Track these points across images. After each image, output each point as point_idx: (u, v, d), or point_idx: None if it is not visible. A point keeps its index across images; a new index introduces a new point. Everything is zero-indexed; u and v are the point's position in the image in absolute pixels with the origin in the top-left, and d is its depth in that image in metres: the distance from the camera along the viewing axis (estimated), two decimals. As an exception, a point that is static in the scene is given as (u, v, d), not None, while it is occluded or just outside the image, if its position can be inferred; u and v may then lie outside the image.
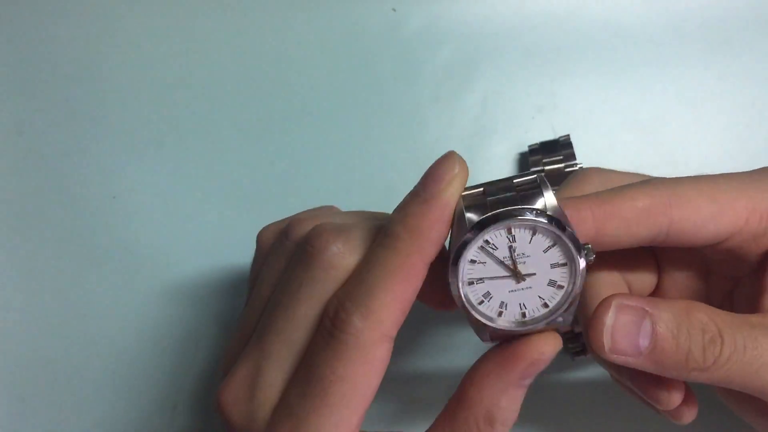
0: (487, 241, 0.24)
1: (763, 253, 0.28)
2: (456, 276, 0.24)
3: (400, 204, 0.26)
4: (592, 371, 0.38)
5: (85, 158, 0.40)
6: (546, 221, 0.24)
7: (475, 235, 0.24)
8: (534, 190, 0.25)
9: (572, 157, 0.38)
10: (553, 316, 0.25)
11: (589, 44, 0.41)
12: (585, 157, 0.38)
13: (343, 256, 0.26)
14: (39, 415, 0.38)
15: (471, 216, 0.24)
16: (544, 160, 0.38)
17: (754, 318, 0.26)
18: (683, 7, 0.41)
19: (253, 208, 0.40)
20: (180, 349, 0.39)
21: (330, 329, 0.25)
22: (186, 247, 0.40)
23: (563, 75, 0.41)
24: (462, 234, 0.24)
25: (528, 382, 0.26)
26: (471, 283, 0.25)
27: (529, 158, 0.39)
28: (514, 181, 0.25)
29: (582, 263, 0.24)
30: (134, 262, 0.39)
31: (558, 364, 0.38)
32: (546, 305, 0.25)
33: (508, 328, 0.25)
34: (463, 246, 0.24)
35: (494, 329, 0.25)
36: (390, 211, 0.30)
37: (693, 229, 0.26)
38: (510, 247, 0.24)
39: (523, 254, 0.24)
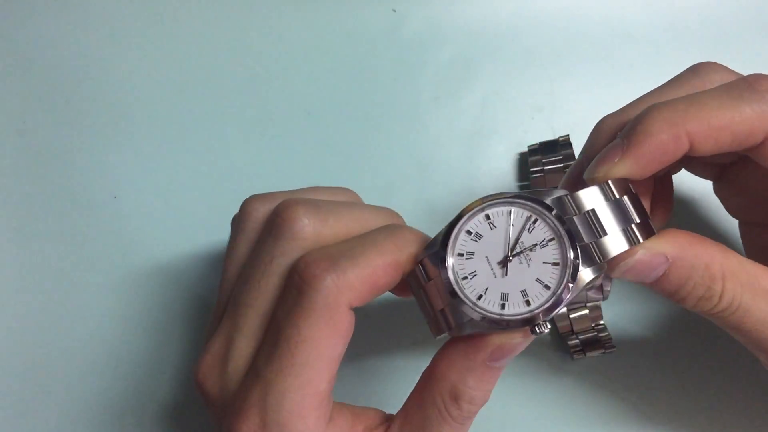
0: (487, 216, 0.24)
1: None
2: (447, 243, 0.24)
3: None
4: (592, 371, 0.38)
5: (85, 158, 0.40)
6: (549, 213, 0.24)
7: (475, 208, 0.24)
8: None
9: (572, 157, 0.38)
10: (531, 315, 0.24)
11: (589, 44, 0.41)
12: (585, 157, 0.38)
13: (313, 226, 0.26)
14: (39, 415, 0.38)
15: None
16: (544, 161, 0.38)
17: None
18: (683, 7, 0.41)
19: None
20: (182, 349, 0.39)
21: (299, 285, 0.25)
22: (186, 247, 0.40)
23: (563, 75, 0.41)
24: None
25: (499, 365, 0.26)
26: (461, 255, 0.24)
27: (528, 158, 0.39)
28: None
29: (575, 270, 0.23)
30: (134, 262, 0.40)
31: (558, 364, 0.38)
32: (528, 303, 0.24)
33: (482, 315, 0.24)
34: (463, 214, 0.24)
35: (461, 318, 0.24)
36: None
37: None
38: (507, 230, 0.24)
39: (521, 243, 0.24)
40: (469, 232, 0.24)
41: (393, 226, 0.26)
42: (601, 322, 0.37)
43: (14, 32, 0.42)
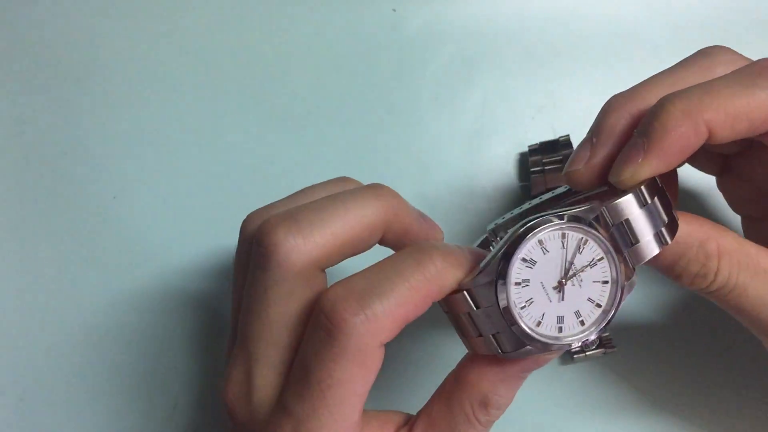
0: (540, 241, 0.24)
1: None
2: (506, 273, 0.23)
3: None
4: (592, 371, 0.38)
5: (85, 158, 0.40)
6: (597, 233, 0.23)
7: (528, 234, 0.24)
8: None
9: None
10: (586, 335, 0.24)
11: (589, 44, 0.41)
12: (585, 157, 0.38)
13: (297, 249, 0.25)
14: (39, 415, 0.38)
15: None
16: (544, 160, 0.38)
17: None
18: (683, 7, 0.41)
19: (253, 207, 0.40)
20: (180, 347, 0.39)
21: (327, 327, 0.24)
22: (186, 247, 0.40)
23: (563, 75, 0.41)
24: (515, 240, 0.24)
25: (527, 374, 0.26)
26: (518, 284, 0.24)
27: (528, 158, 0.39)
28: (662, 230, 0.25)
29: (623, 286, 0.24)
30: (134, 262, 0.40)
31: (558, 364, 0.38)
32: (582, 323, 0.24)
33: (543, 340, 0.24)
34: (518, 242, 0.24)
35: (517, 345, 0.24)
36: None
37: None
38: (562, 254, 0.24)
39: (572, 264, 0.24)
40: (524, 260, 0.24)
41: (419, 251, 0.25)
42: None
43: (14, 32, 0.42)
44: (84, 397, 0.38)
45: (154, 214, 0.40)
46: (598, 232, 0.24)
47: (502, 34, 0.41)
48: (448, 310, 0.26)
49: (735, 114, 0.25)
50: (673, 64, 0.29)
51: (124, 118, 0.41)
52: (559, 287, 0.24)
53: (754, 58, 0.40)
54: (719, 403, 0.37)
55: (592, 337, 0.24)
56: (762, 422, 0.37)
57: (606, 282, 0.24)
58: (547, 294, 0.24)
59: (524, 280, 0.24)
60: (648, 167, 0.25)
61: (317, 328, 0.24)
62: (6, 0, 0.42)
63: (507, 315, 0.24)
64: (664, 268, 0.27)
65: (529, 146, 0.39)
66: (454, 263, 0.25)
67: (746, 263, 0.26)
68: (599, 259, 0.24)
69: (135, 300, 0.39)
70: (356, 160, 0.40)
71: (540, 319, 0.24)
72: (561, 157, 0.38)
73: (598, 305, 0.24)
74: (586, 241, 0.24)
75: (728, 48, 0.29)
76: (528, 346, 0.24)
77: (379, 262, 0.25)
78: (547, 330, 0.24)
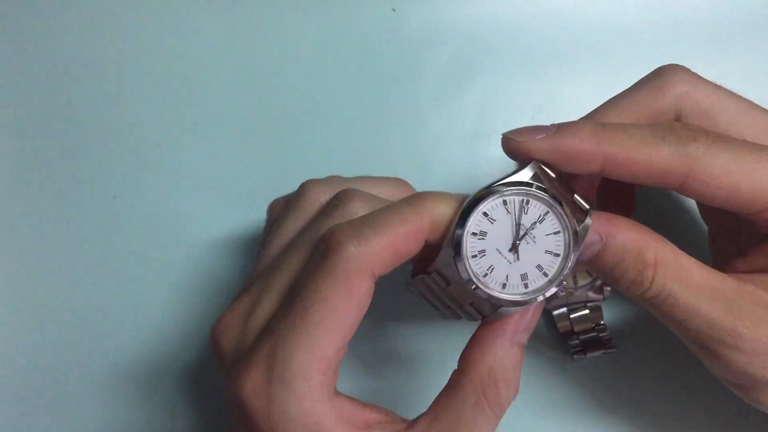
0: (485, 213, 0.26)
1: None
2: (460, 249, 0.26)
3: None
4: (593, 372, 0.38)
5: (85, 158, 0.40)
6: (537, 190, 0.26)
7: (472, 209, 0.26)
8: (581, 211, 0.27)
9: None
10: (553, 285, 0.26)
11: (589, 44, 0.41)
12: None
13: (360, 252, 0.26)
14: (39, 415, 0.38)
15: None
16: None
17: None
18: (683, 7, 0.41)
19: (253, 207, 0.40)
20: (180, 348, 0.39)
21: (323, 250, 0.26)
22: (186, 247, 0.40)
23: (563, 75, 0.41)
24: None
25: (523, 340, 0.28)
26: (474, 256, 0.26)
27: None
28: (575, 196, 0.27)
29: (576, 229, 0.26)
30: (134, 262, 0.40)
31: (558, 364, 0.38)
32: (545, 274, 0.26)
33: (512, 299, 0.26)
34: (464, 219, 0.26)
35: (499, 300, 0.26)
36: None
37: (710, 199, 0.27)
38: (509, 218, 0.26)
39: (530, 231, 0.26)
40: (474, 234, 0.26)
41: (415, 196, 0.27)
42: (602, 322, 0.37)
43: (14, 32, 0.42)
44: (84, 397, 0.38)
45: (155, 214, 0.40)
46: (538, 189, 0.26)
47: (502, 34, 0.41)
48: (430, 296, 0.29)
49: (634, 160, 0.27)
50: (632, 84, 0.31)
51: (124, 118, 0.41)
52: (514, 249, 0.26)
53: (754, 58, 0.40)
54: (719, 403, 0.37)
55: (553, 289, 0.26)
56: (762, 423, 0.37)
57: (558, 232, 0.26)
58: (506, 258, 0.26)
59: (480, 252, 0.26)
60: (540, 144, 0.27)
61: (316, 253, 0.26)
62: (6, 1, 0.42)
63: (471, 285, 0.26)
64: (603, 272, 0.28)
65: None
66: (443, 200, 0.27)
67: (680, 275, 0.27)
68: (545, 214, 0.26)
69: (135, 300, 0.39)
70: (356, 159, 0.40)
71: (505, 282, 0.26)
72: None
73: (557, 254, 0.26)
74: (528, 201, 0.26)
75: (682, 67, 0.31)
76: (503, 307, 0.26)
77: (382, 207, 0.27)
78: (514, 289, 0.26)
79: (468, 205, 0.26)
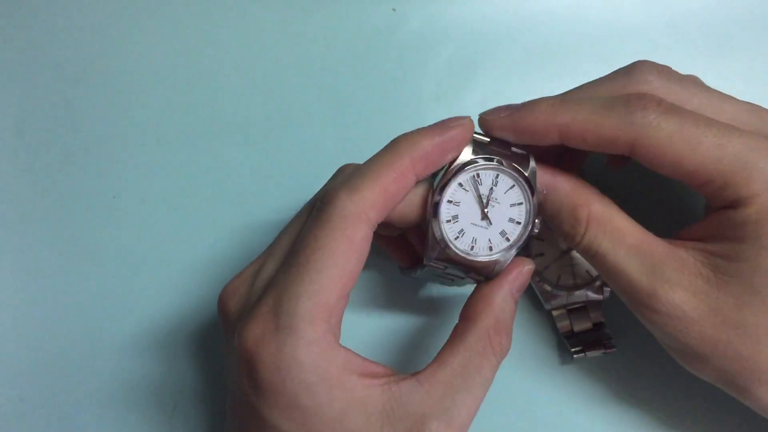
0: (460, 184, 0.30)
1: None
2: (437, 213, 0.30)
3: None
4: (592, 371, 0.38)
5: (85, 158, 0.40)
6: (506, 167, 0.30)
7: (450, 179, 0.30)
8: (523, 158, 0.31)
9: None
10: (515, 248, 0.30)
11: (589, 44, 0.41)
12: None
13: (351, 201, 0.28)
14: (39, 415, 0.38)
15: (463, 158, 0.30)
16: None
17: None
18: (683, 7, 0.41)
19: (254, 206, 0.40)
20: (180, 348, 0.39)
21: (319, 206, 0.28)
22: (186, 247, 0.40)
23: (563, 75, 0.41)
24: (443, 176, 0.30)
25: (518, 295, 0.31)
26: (448, 221, 0.30)
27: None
28: (512, 148, 0.31)
29: (535, 203, 0.30)
30: (134, 262, 0.40)
31: (558, 364, 0.38)
32: (508, 239, 0.30)
33: (482, 260, 0.30)
34: (442, 188, 0.30)
35: (470, 262, 0.30)
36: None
37: (658, 167, 0.29)
38: (491, 189, 0.30)
39: (496, 200, 0.30)
40: (449, 201, 0.30)
41: (392, 141, 0.30)
42: (602, 321, 0.37)
43: (14, 32, 0.42)
44: (84, 397, 0.38)
45: (154, 213, 0.40)
46: (482, 161, 0.30)
47: (502, 34, 0.41)
48: (429, 277, 0.33)
49: (585, 129, 0.29)
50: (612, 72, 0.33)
51: (124, 118, 0.41)
52: (484, 216, 0.30)
53: (754, 59, 0.40)
54: (720, 404, 0.37)
55: (514, 251, 0.30)
56: (762, 423, 0.37)
57: (521, 203, 0.31)
58: (474, 224, 0.30)
59: (453, 217, 0.30)
60: (503, 122, 0.31)
61: (312, 212, 0.28)
62: (6, 1, 0.42)
63: (443, 244, 0.30)
64: (547, 218, 0.32)
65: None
66: (416, 134, 0.29)
67: (612, 234, 0.30)
68: (511, 187, 0.30)
69: (134, 300, 0.39)
70: (356, 160, 0.40)
71: (473, 244, 0.30)
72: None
73: (518, 222, 0.30)
74: (498, 175, 0.30)
75: (652, 63, 0.32)
76: (474, 267, 0.31)
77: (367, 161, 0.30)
78: (481, 251, 0.30)
79: (444, 176, 0.30)
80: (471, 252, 0.30)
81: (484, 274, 0.31)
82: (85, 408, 0.38)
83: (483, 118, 0.31)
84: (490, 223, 0.30)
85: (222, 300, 0.30)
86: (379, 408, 0.27)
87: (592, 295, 0.37)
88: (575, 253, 0.37)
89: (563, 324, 0.37)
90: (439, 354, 0.29)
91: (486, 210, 0.30)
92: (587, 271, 0.37)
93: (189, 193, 0.40)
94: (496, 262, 0.30)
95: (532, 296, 0.38)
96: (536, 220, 0.31)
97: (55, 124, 0.41)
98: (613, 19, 0.41)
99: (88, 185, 0.40)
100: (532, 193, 0.30)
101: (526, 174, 0.30)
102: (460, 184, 0.30)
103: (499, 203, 0.30)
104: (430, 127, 0.30)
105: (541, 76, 0.41)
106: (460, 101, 0.41)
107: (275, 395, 0.26)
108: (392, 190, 0.28)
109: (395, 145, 0.29)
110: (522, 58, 0.41)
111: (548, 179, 0.31)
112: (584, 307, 0.37)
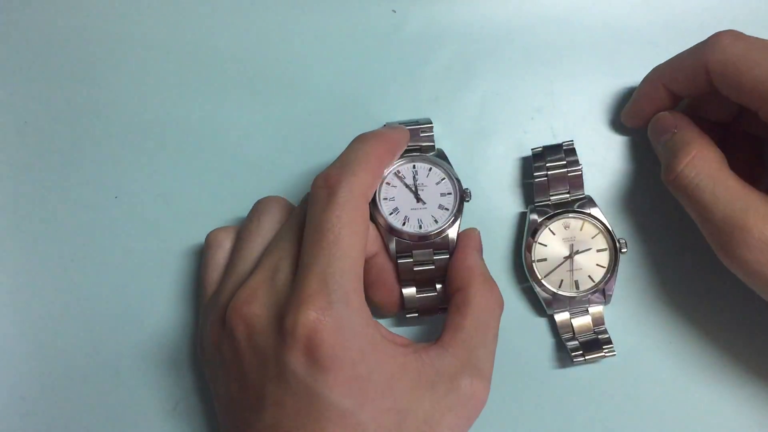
0: (388, 183, 0.36)
1: None
2: (382, 214, 0.35)
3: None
4: (592, 375, 0.38)
5: (86, 158, 0.40)
6: (417, 157, 0.37)
7: (393, 167, 0.37)
8: (428, 148, 0.38)
9: (576, 162, 0.38)
10: (453, 214, 0.36)
11: (588, 44, 0.41)
12: (583, 157, 0.38)
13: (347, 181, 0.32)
14: (39, 415, 0.39)
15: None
16: (548, 165, 0.38)
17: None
18: (683, 7, 0.41)
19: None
20: (180, 349, 0.39)
21: (327, 191, 0.31)
22: (186, 247, 0.40)
23: (562, 75, 0.41)
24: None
25: (481, 254, 0.36)
26: (385, 199, 0.36)
27: (532, 164, 0.38)
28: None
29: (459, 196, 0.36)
30: (134, 262, 0.40)
31: (558, 367, 0.38)
32: (436, 221, 0.36)
33: (409, 234, 0.35)
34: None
35: (399, 237, 0.35)
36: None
37: (721, 86, 0.33)
38: (414, 177, 0.37)
39: (423, 184, 0.36)
40: (388, 183, 0.36)
41: (373, 131, 0.35)
42: (602, 326, 0.37)
43: (14, 32, 0.42)
44: (84, 397, 0.39)
45: (154, 213, 0.40)
46: (417, 158, 0.37)
47: (502, 34, 0.41)
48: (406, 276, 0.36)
49: (675, 74, 0.35)
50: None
51: (124, 118, 0.41)
52: (419, 199, 0.36)
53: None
54: (720, 407, 0.37)
55: (452, 217, 0.36)
56: (761, 426, 0.37)
57: (443, 179, 0.37)
58: (414, 208, 0.36)
59: (394, 209, 0.36)
60: (626, 109, 0.39)
61: (317, 194, 0.31)
62: (7, 1, 0.41)
63: (396, 233, 0.35)
64: (657, 147, 0.37)
65: (532, 149, 0.39)
66: (387, 129, 0.36)
67: (712, 172, 0.33)
68: (429, 170, 0.37)
69: (135, 300, 0.39)
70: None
71: (420, 223, 0.36)
72: (565, 163, 0.38)
73: (446, 209, 0.36)
74: (414, 165, 0.37)
75: (737, 33, 0.33)
76: (441, 234, 0.36)
77: (347, 151, 0.33)
78: (411, 228, 0.36)
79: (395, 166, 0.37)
80: (421, 230, 0.35)
81: (445, 248, 0.36)
82: (85, 408, 0.39)
83: (624, 119, 0.39)
84: (425, 204, 0.36)
85: (239, 310, 0.30)
86: (417, 373, 0.30)
87: (594, 300, 0.37)
88: (577, 258, 0.37)
89: (564, 329, 0.37)
90: (448, 322, 0.33)
91: (419, 194, 0.36)
92: (589, 277, 0.37)
93: (190, 193, 0.40)
94: (445, 230, 0.36)
95: (533, 301, 0.39)
96: (465, 189, 0.36)
97: (55, 124, 0.41)
98: (612, 19, 0.41)
99: (88, 185, 0.40)
100: (451, 172, 0.37)
101: (436, 154, 0.37)
102: (388, 183, 0.36)
103: (426, 186, 0.36)
104: (389, 126, 0.37)
105: (540, 76, 0.41)
106: (459, 102, 0.41)
107: (336, 370, 0.28)
108: (378, 173, 0.33)
109: (371, 137, 0.34)
110: (521, 59, 0.41)
111: (672, 121, 0.35)
112: (586, 312, 0.37)
